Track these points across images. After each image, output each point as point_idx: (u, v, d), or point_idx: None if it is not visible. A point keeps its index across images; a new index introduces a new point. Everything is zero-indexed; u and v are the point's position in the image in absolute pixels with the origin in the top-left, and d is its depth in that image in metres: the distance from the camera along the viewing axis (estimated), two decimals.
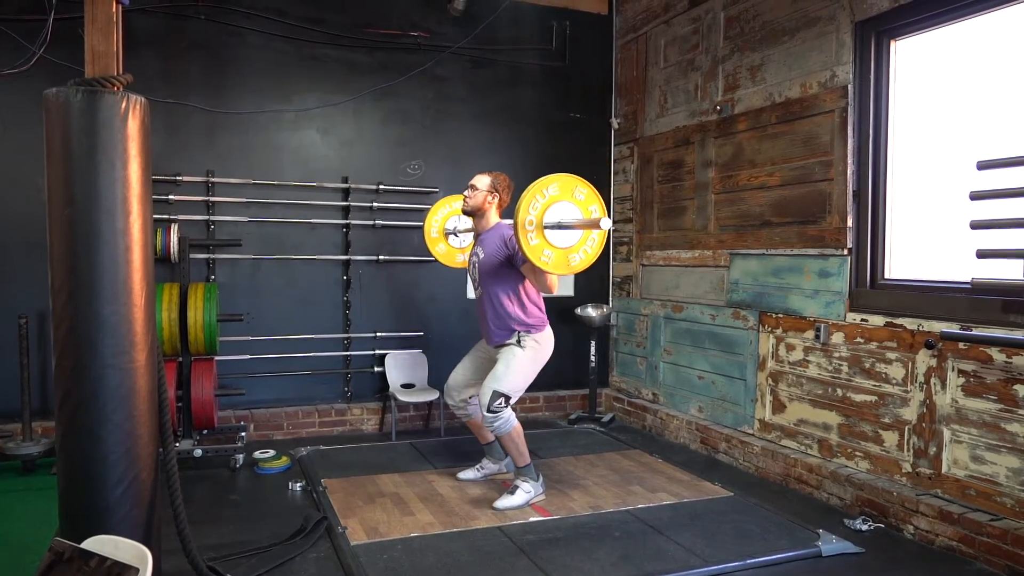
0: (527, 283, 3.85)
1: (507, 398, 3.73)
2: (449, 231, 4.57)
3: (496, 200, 3.94)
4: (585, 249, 3.32)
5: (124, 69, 2.48)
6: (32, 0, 4.06)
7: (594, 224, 3.19)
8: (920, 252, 3.75)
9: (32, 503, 3.74)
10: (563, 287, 5.97)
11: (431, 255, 5.54)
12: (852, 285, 3.94)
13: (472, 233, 4.16)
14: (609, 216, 6.08)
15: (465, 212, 4.02)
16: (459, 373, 4.14)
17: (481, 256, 3.91)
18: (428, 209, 5.49)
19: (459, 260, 4.57)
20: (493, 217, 3.96)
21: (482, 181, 3.95)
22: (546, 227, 3.24)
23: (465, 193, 4.00)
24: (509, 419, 3.75)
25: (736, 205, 4.76)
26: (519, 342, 3.82)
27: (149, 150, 2.50)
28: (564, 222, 3.24)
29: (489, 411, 3.71)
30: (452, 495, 3.95)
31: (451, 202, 4.56)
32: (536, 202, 3.22)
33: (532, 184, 3.25)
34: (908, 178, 3.79)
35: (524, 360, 3.80)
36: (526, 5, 5.45)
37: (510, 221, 3.47)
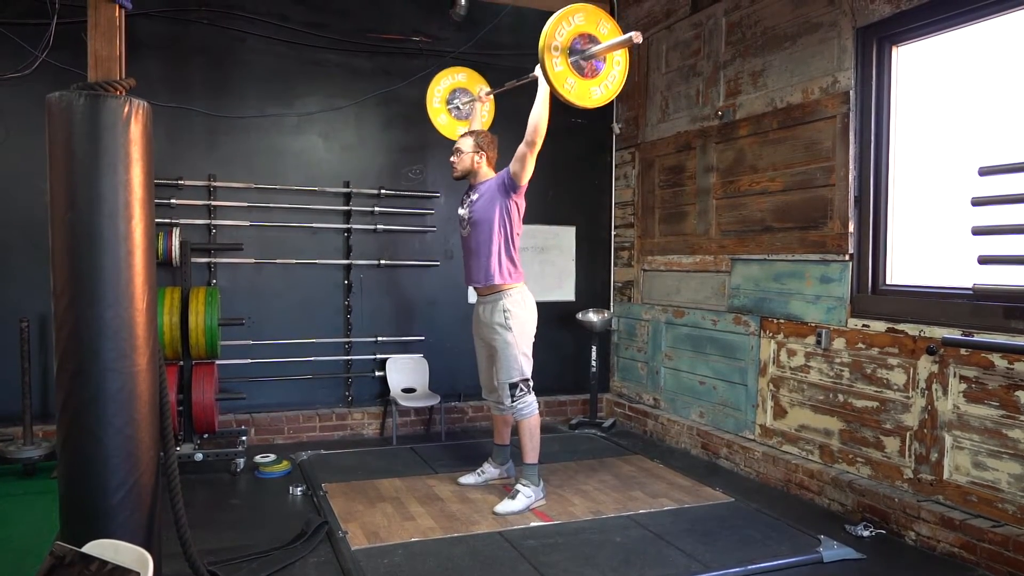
0: (511, 238, 3.85)
1: (524, 381, 3.86)
2: (451, 105, 4.52)
3: (484, 158, 3.94)
4: (607, 84, 3.29)
5: (127, 73, 2.49)
6: (35, 4, 4.08)
7: (627, 42, 3.10)
8: (922, 258, 3.74)
9: (33, 507, 3.74)
10: (564, 291, 5.99)
11: (432, 259, 5.57)
12: (853, 291, 3.94)
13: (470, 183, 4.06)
14: (610, 221, 6.16)
15: (456, 178, 4.03)
16: (483, 374, 4.16)
17: (475, 198, 3.91)
18: (429, 213, 5.53)
19: (459, 132, 4.41)
20: (487, 173, 3.97)
21: (466, 143, 3.95)
22: (571, 53, 3.18)
23: (452, 159, 4.00)
24: (532, 402, 3.90)
25: (737, 210, 4.76)
26: (505, 319, 3.84)
27: (151, 154, 2.50)
28: (590, 48, 3.18)
29: (513, 401, 3.86)
30: (453, 500, 3.94)
31: (454, 73, 4.52)
32: (562, 28, 3.16)
33: (559, 12, 3.17)
34: (910, 184, 3.79)
35: (515, 340, 3.85)
36: (527, 10, 5.46)
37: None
